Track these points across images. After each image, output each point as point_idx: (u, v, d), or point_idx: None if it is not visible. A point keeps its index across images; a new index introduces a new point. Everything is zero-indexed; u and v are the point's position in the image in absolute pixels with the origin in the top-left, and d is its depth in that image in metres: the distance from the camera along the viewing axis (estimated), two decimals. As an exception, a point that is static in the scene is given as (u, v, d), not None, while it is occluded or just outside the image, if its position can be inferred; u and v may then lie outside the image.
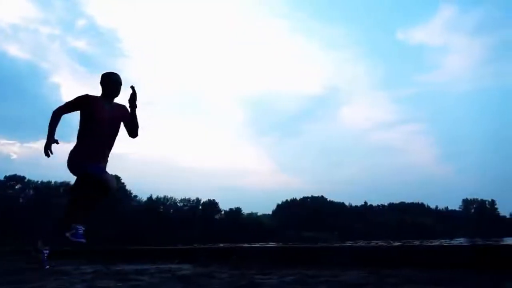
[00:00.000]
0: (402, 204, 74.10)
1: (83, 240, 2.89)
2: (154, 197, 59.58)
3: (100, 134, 3.03)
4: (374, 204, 75.46)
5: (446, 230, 61.53)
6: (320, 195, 71.34)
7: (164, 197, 60.05)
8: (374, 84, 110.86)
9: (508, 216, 76.05)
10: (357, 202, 74.74)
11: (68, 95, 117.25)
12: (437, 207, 76.97)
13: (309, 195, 71.20)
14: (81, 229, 2.95)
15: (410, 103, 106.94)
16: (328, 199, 70.98)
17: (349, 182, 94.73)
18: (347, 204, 72.51)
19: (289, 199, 70.96)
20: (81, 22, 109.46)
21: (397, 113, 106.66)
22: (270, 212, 70.28)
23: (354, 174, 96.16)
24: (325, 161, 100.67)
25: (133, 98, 3.07)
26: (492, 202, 75.96)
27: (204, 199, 63.25)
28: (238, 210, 64.55)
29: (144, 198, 59.03)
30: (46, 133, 2.96)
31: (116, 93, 3.14)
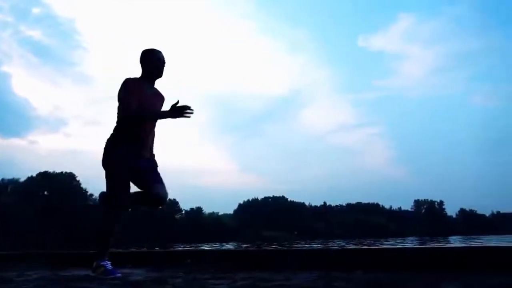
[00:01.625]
0: (359, 204, 76.90)
1: (119, 274, 2.42)
2: (111, 195, 57.40)
3: (146, 123, 2.65)
4: (333, 204, 77.73)
5: (399, 230, 64.75)
6: (281, 195, 72.34)
7: (122, 196, 58.00)
8: (335, 87, 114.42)
9: (454, 216, 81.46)
10: (317, 202, 76.68)
11: (19, 86, 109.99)
12: (391, 207, 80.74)
13: (271, 195, 71.99)
14: (108, 264, 2.49)
15: (368, 107, 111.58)
16: (289, 199, 72.08)
17: (310, 183, 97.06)
18: (307, 204, 74.08)
19: (250, 199, 71.31)
20: (36, 10, 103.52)
21: (356, 116, 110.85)
22: (232, 212, 70.25)
23: (314, 174, 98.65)
24: (287, 161, 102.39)
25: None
26: (441, 203, 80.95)
27: (164, 198, 61.92)
28: (199, 209, 63.91)
29: (101, 197, 56.73)
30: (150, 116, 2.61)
31: (159, 73, 2.73)
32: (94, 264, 2.49)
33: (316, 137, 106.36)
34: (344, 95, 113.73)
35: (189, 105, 2.50)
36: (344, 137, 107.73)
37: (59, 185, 51.15)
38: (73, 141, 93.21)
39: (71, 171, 56.03)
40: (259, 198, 71.26)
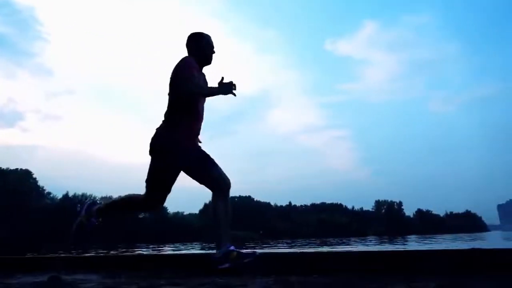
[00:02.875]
0: (323, 204, 78.80)
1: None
2: (70, 194, 55.16)
3: (200, 110, 2.46)
4: (298, 204, 79.11)
5: (360, 229, 67.01)
6: (247, 194, 72.64)
7: (83, 194, 55.83)
8: (302, 89, 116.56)
9: (411, 216, 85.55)
10: (283, 202, 77.74)
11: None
12: (353, 207, 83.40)
13: (237, 195, 72.09)
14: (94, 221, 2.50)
15: (333, 109, 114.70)
16: (255, 199, 72.50)
17: (276, 183, 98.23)
18: (272, 204, 74.85)
19: (217, 199, 70.99)
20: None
21: (322, 118, 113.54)
22: (197, 212, 69.61)
23: (280, 174, 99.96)
24: (254, 161, 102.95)
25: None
26: (400, 204, 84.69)
27: (127, 197, 60.27)
28: (163, 209, 62.79)
29: (59, 196, 54.36)
30: (210, 92, 2.30)
31: (208, 60, 2.52)
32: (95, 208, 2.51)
33: (283, 138, 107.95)
34: (311, 97, 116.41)
35: (232, 81, 2.32)
36: (310, 138, 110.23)
37: (13, 183, 48.36)
38: (30, 136, 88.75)
39: (27, 167, 53.24)
40: (226, 198, 71.11)
